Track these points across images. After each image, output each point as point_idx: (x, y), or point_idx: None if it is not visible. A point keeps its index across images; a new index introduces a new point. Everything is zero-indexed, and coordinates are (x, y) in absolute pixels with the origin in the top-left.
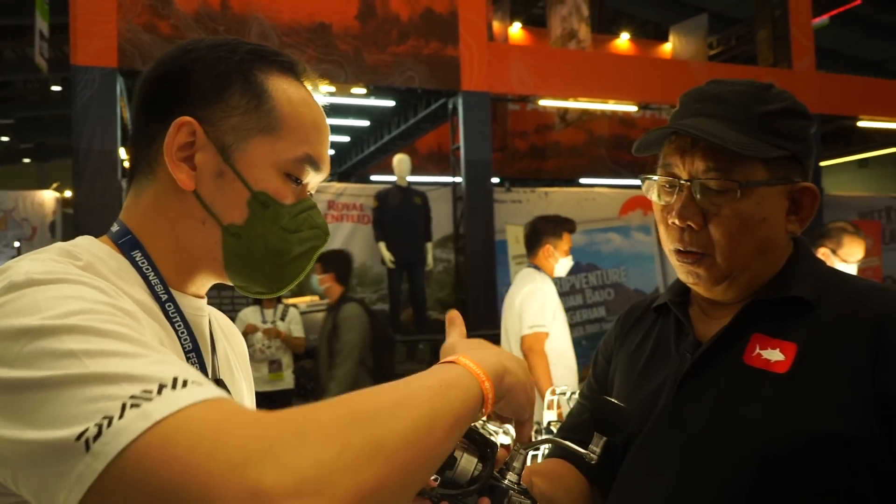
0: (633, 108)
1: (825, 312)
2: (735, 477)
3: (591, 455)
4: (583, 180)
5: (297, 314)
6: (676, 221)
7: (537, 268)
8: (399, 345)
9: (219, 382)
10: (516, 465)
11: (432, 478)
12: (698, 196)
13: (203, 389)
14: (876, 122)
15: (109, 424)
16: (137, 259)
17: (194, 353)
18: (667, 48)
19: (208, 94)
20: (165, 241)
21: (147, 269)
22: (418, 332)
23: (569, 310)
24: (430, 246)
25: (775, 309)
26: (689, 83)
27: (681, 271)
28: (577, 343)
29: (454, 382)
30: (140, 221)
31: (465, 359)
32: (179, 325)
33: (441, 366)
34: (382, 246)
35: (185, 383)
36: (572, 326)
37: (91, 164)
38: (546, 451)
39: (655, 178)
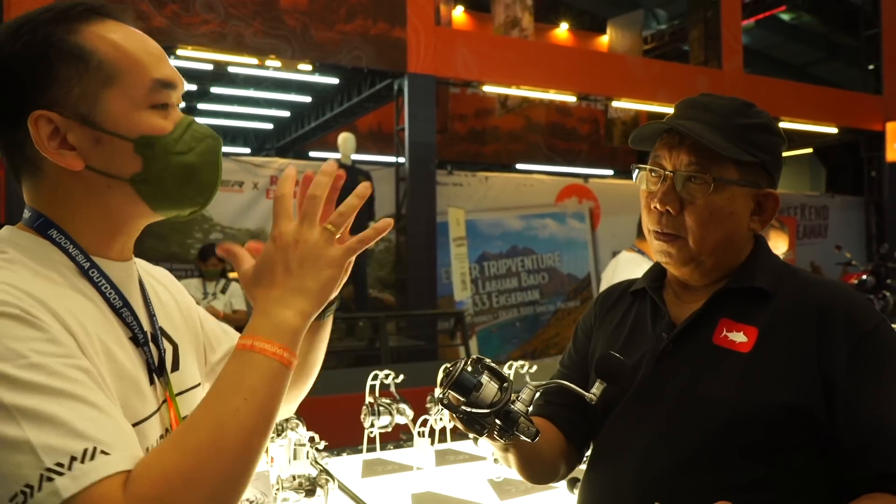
0: (572, 99)
1: (781, 301)
2: (704, 439)
3: (592, 397)
4: (519, 166)
5: (237, 288)
6: (658, 206)
7: (642, 252)
8: (339, 321)
9: (161, 331)
10: (525, 397)
11: (458, 396)
12: (679, 186)
13: (108, 462)
14: (795, 124)
15: (30, 496)
16: (55, 237)
17: (125, 308)
18: (604, 40)
19: (37, 82)
20: (81, 217)
21: (66, 243)
22: (358, 309)
23: (504, 292)
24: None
25: (740, 297)
26: (625, 77)
27: (656, 249)
28: (511, 324)
29: (257, 386)
30: (49, 208)
31: (261, 342)
32: (106, 287)
33: (241, 362)
34: None
35: (93, 454)
36: (508, 308)
37: None
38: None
39: (646, 167)
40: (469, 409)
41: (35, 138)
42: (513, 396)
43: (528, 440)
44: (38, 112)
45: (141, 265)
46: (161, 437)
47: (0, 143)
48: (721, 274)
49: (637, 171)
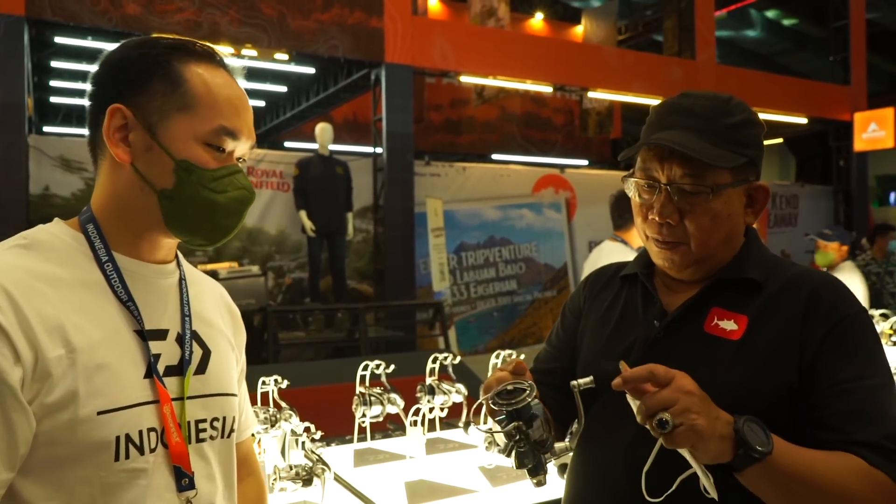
0: (548, 89)
1: (771, 291)
2: None
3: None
4: (495, 156)
5: None
6: (657, 218)
7: (625, 242)
8: (317, 313)
9: (193, 333)
10: (557, 451)
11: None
12: (675, 197)
13: None
14: (766, 114)
15: None
16: (89, 230)
17: (130, 302)
18: (578, 31)
19: (133, 84)
20: (114, 211)
21: (94, 236)
22: (337, 300)
23: (482, 282)
24: (350, 216)
25: (732, 287)
26: (601, 67)
27: (658, 257)
28: (489, 314)
29: None
30: (97, 197)
31: None
32: (115, 280)
33: None
34: (303, 214)
35: None
36: (485, 298)
37: None
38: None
39: (640, 180)
40: (511, 440)
41: (105, 124)
42: (554, 449)
43: (533, 483)
44: (118, 105)
45: (198, 276)
46: (151, 430)
47: (90, 119)
48: (716, 267)
49: (626, 181)
